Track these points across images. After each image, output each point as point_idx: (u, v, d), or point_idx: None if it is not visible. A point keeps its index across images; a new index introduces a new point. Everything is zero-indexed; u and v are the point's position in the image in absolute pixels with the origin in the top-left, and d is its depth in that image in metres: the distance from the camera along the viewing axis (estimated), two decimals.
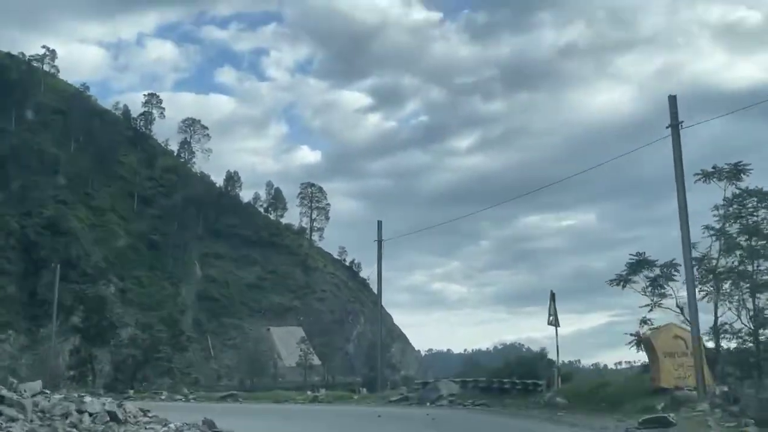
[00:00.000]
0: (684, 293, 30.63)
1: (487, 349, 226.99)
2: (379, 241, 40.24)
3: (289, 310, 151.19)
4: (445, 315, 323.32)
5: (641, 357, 35.74)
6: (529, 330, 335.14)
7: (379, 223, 42.35)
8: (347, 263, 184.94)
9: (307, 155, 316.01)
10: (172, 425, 19.18)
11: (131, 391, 57.77)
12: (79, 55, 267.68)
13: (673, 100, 28.56)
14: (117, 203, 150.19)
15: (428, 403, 38.44)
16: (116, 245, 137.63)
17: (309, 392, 50.64)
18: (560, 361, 39.91)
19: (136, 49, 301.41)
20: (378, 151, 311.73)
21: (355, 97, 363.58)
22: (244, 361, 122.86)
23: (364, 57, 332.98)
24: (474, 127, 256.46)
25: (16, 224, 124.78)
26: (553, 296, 35.03)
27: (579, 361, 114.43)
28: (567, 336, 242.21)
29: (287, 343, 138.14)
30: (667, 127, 28.13)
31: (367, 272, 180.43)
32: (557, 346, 35.91)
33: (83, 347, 75.81)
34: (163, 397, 50.33)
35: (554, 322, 34.46)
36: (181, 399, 48.67)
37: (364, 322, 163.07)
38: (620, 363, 74.06)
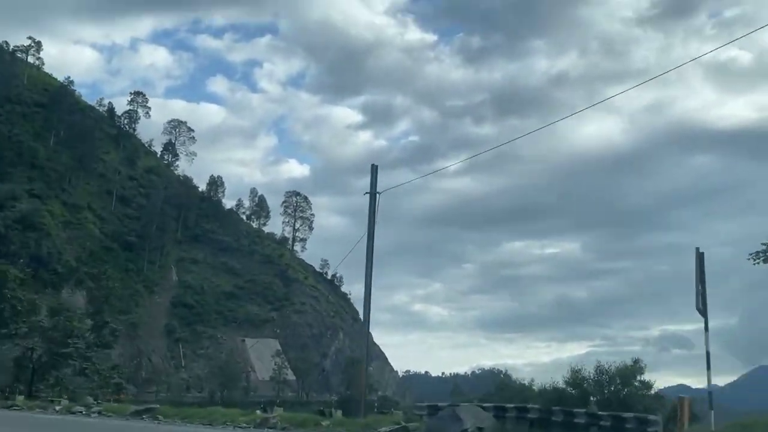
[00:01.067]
0: None
1: (465, 373, 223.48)
2: (372, 194, 29.20)
3: (265, 322, 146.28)
4: (424, 336, 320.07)
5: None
6: (507, 357, 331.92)
7: (374, 168, 29.33)
8: (329, 277, 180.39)
9: (295, 168, 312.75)
10: None
11: (20, 398, 50.61)
12: (72, 55, 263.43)
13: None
14: (94, 201, 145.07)
15: None
16: (90, 244, 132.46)
17: (258, 411, 36.84)
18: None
19: (129, 53, 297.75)
20: (366, 169, 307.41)
21: (346, 113, 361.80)
22: (216, 373, 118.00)
23: (358, 74, 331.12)
24: (463, 150, 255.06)
25: None
26: (700, 259, 20.72)
27: None
28: (547, 364, 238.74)
29: (262, 355, 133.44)
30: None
31: (350, 288, 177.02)
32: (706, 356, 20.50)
33: None
34: (57, 408, 42.53)
35: (702, 307, 20.67)
36: (80, 411, 40.13)
37: (344, 338, 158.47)
38: None
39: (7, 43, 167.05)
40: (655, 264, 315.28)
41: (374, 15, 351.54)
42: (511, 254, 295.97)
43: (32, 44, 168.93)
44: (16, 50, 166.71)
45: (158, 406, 41.85)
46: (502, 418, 26.39)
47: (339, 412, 36.14)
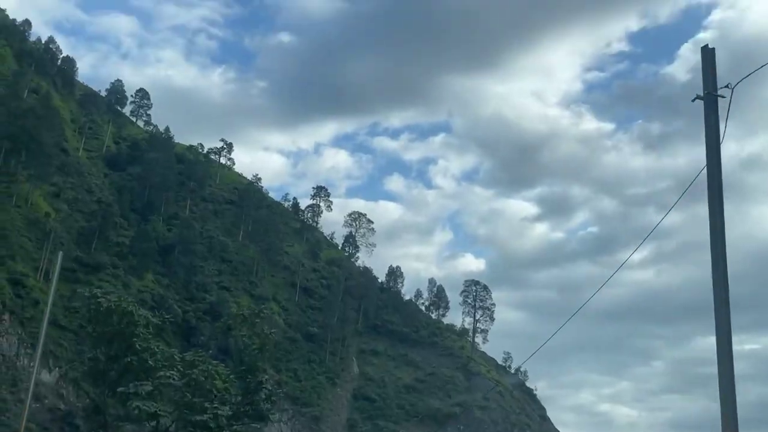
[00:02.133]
0: None
1: None
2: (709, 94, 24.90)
3: (448, 417, 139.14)
4: None
5: None
6: None
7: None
8: (512, 371, 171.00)
9: (471, 263, 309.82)
10: None
11: None
12: (261, 161, 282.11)
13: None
14: (279, 292, 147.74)
15: None
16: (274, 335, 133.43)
17: None
18: None
19: (313, 157, 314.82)
20: (544, 262, 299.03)
21: (521, 206, 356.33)
22: None
23: (532, 166, 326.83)
24: (648, 240, 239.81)
25: (178, 308, 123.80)
26: None
27: None
28: None
29: None
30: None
31: (535, 383, 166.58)
32: None
33: None
34: None
35: None
36: None
37: None
38: None
39: (201, 145, 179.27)
40: None
41: (547, 107, 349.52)
42: (705, 350, 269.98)
43: (224, 146, 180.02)
44: (210, 152, 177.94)
45: None
46: None
47: None
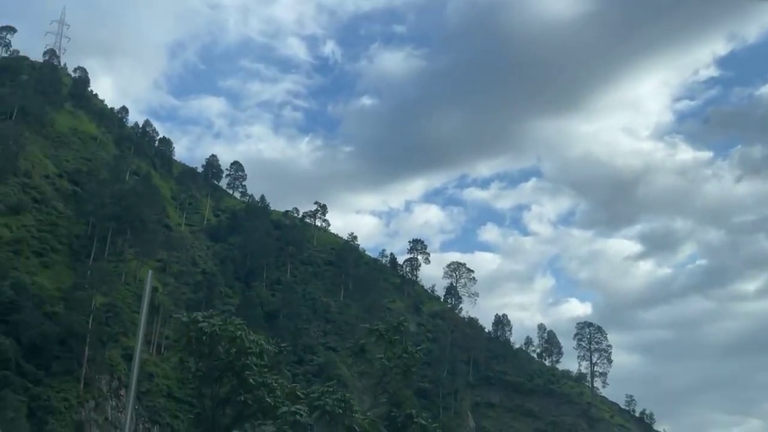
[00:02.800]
0: None
1: None
2: None
3: None
4: None
5: None
6: None
7: None
8: (637, 414, 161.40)
9: (576, 308, 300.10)
10: None
11: None
12: (354, 223, 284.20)
13: None
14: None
15: None
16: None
17: None
18: None
19: (404, 215, 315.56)
20: (652, 300, 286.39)
21: (623, 244, 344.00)
22: None
23: (630, 203, 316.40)
24: (761, 268, 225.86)
25: (288, 372, 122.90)
26: None
27: None
28: None
29: None
30: None
31: (662, 426, 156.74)
32: None
33: None
34: None
35: None
36: None
37: None
38: None
39: (297, 209, 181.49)
40: None
41: (639, 141, 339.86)
42: None
43: (318, 208, 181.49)
44: (305, 216, 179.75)
45: None
46: None
47: None
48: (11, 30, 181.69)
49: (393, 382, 48.28)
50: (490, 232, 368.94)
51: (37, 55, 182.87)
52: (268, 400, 42.77)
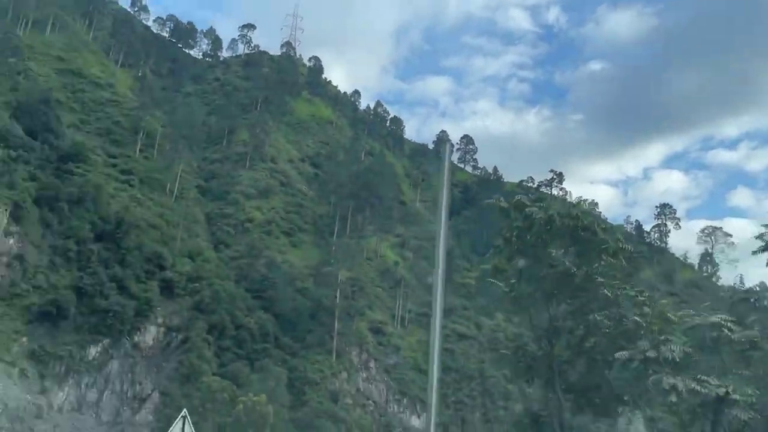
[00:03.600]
0: None
1: None
2: None
3: None
4: None
5: None
6: None
7: None
8: None
9: None
10: None
11: None
12: (589, 195, 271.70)
13: None
14: None
15: None
16: None
17: None
18: None
19: (642, 183, 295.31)
20: None
21: None
22: None
23: None
24: None
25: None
26: None
27: None
28: None
29: None
30: None
31: None
32: None
33: None
34: None
35: None
36: None
37: None
38: None
39: (532, 178, 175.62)
40: None
41: None
42: None
43: (554, 176, 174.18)
44: (540, 185, 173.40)
45: None
46: None
47: None
48: (251, 27, 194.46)
49: None
50: (742, 196, 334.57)
51: (275, 49, 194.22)
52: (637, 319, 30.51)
